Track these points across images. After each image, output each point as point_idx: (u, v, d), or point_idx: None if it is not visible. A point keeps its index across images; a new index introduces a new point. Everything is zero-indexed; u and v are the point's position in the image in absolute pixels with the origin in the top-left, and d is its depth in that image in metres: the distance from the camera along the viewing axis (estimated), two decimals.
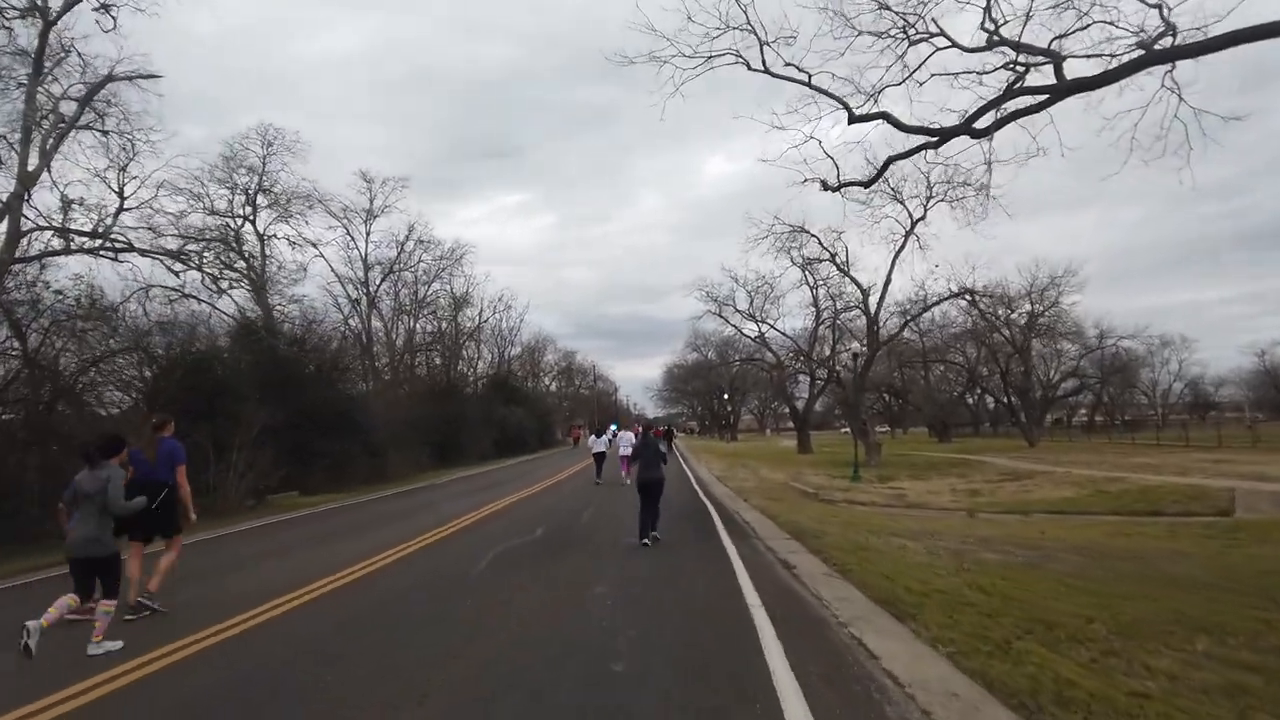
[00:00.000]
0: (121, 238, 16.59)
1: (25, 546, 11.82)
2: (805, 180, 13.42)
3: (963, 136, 11.32)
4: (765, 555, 9.25)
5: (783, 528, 11.75)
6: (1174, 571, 9.17)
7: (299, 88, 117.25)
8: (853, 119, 11.61)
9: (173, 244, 18.04)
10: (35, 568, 10.27)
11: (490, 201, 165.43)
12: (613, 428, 30.19)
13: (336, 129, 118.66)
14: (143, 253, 16.87)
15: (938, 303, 37.94)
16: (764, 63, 12.75)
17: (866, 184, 13.48)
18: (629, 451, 20.28)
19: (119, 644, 5.51)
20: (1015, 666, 4.70)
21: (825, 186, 13.36)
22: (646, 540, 9.91)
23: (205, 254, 19.29)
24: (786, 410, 71.48)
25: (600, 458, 23.11)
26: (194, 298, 23.95)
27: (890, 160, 12.43)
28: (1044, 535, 13.62)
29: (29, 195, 15.21)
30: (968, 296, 38.06)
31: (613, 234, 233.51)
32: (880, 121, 11.50)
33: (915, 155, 11.98)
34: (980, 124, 10.72)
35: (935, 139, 11.39)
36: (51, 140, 16.11)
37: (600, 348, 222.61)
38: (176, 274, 18.12)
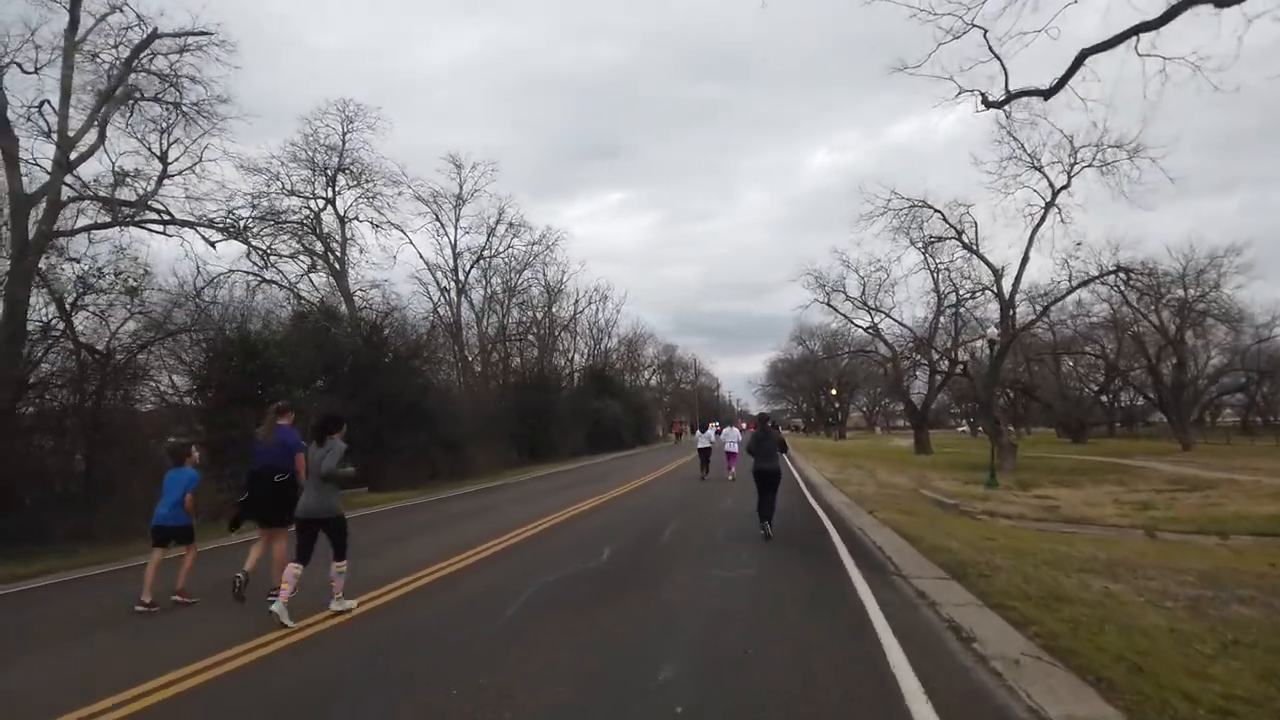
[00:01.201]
0: (160, 205, 15.20)
1: (49, 548, 10.35)
2: (959, 94, 10.15)
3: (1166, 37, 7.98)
4: (919, 608, 6.35)
5: (929, 556, 8.80)
6: None
7: (415, 95, 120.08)
8: None
9: (226, 219, 16.56)
10: (52, 570, 8.93)
11: (595, 200, 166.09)
12: (715, 424, 28.49)
13: (447, 133, 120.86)
14: (183, 223, 15.43)
15: (1085, 284, 32.78)
16: None
17: (1047, 93, 9.79)
18: (734, 448, 20.40)
19: (354, 603, 6.22)
20: None
21: (986, 102, 10.03)
22: (764, 530, 9.92)
23: (252, 225, 17.73)
24: (899, 407, 66.73)
25: (705, 453, 22.51)
26: (274, 283, 23.00)
27: (1084, 54, 8.85)
28: (1278, 569, 10.26)
29: (68, 162, 13.95)
30: (1123, 276, 32.78)
31: (716, 231, 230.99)
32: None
33: (1123, 43, 8.51)
34: None
35: (1160, 14, 8.01)
36: (103, 106, 14.90)
37: (702, 344, 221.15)
38: (213, 245, 16.63)
